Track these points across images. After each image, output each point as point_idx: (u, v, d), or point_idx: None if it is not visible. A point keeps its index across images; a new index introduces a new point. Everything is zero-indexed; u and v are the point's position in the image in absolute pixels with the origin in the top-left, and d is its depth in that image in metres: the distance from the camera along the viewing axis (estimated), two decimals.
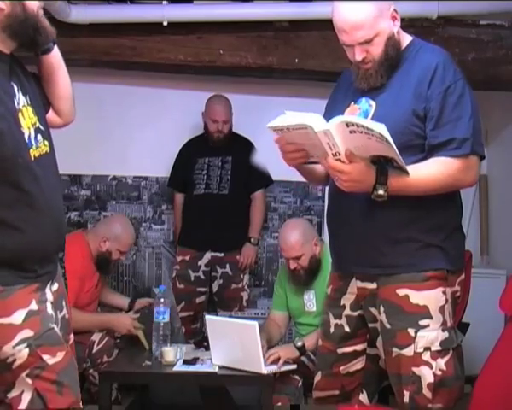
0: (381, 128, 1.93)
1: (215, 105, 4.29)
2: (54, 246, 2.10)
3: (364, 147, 1.99)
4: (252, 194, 4.35)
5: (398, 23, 2.21)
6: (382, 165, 2.05)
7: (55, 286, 2.12)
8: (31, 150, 1.99)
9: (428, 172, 2.10)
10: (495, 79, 4.01)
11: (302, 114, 2.03)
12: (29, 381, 1.95)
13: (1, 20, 1.97)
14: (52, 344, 2.00)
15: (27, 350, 1.95)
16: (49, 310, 2.04)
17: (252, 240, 4.30)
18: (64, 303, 2.19)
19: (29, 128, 2.00)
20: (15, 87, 2.01)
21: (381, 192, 2.05)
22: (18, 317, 1.95)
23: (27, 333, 1.95)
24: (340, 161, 2.03)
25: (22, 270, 1.98)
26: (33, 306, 1.98)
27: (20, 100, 2.01)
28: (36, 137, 2.03)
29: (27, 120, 2.01)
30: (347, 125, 1.95)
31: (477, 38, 3.97)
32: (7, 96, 1.95)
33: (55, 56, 2.18)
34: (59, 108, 2.23)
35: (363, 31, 2.13)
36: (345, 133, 1.97)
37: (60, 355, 2.00)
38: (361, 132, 1.94)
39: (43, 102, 2.17)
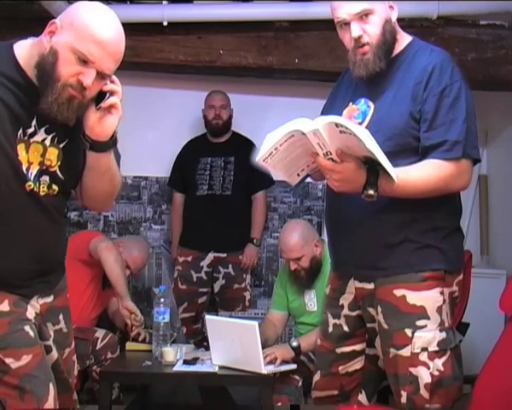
0: (366, 139, 1.92)
1: (212, 94, 4.39)
2: (28, 274, 1.96)
3: (355, 147, 1.98)
4: (253, 195, 4.36)
5: (396, 13, 2.20)
6: (373, 165, 2.03)
7: (48, 299, 2.04)
8: (28, 183, 1.86)
9: (419, 174, 2.09)
10: (495, 79, 4.01)
11: (284, 125, 2.02)
12: None
13: (36, 53, 1.82)
14: (18, 347, 1.89)
15: None
16: (29, 315, 1.95)
17: (254, 241, 4.32)
18: (62, 317, 2.10)
19: (31, 163, 1.85)
20: (35, 120, 1.85)
21: (371, 192, 2.04)
22: None
23: None
24: (332, 160, 2.03)
25: None
26: (4, 307, 1.90)
27: (36, 134, 1.86)
28: (39, 176, 1.88)
29: (34, 154, 1.86)
30: (336, 125, 1.94)
31: (477, 38, 3.97)
32: (6, 120, 1.82)
33: (97, 162, 1.93)
34: (81, 197, 2.04)
35: (358, 1, 2.12)
36: (335, 133, 1.95)
37: (25, 359, 1.89)
38: (350, 134, 1.93)
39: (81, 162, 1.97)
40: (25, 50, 1.85)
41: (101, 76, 1.81)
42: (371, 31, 2.15)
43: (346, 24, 2.17)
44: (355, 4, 2.13)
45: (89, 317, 3.64)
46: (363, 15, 2.14)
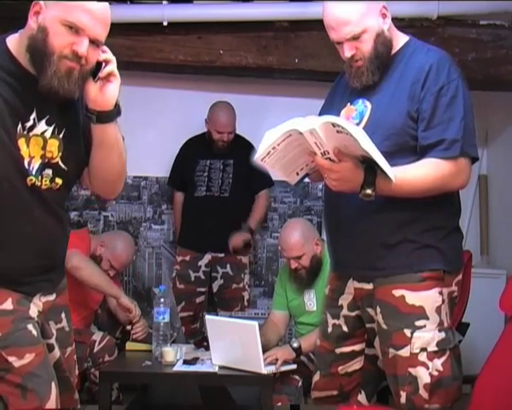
0: (362, 139, 1.92)
1: (220, 116, 4.25)
2: (31, 271, 1.96)
3: (353, 146, 1.98)
4: (256, 194, 4.36)
5: (389, 21, 2.21)
6: (371, 164, 2.03)
7: (51, 297, 2.04)
8: (29, 177, 1.86)
9: (417, 173, 2.09)
10: (495, 79, 4.01)
11: (281, 125, 2.02)
12: None
13: (25, 38, 1.82)
14: (21, 345, 1.90)
15: None
16: (32, 314, 1.95)
17: (242, 225, 4.25)
18: (64, 316, 2.10)
19: (32, 157, 1.86)
20: (35, 112, 1.85)
21: (368, 192, 2.04)
22: None
23: None
24: (329, 159, 2.03)
25: None
26: (8, 305, 1.90)
27: (35, 127, 1.86)
28: (41, 170, 1.88)
29: (35, 147, 1.86)
30: (333, 125, 1.94)
31: (477, 38, 3.97)
32: (6, 116, 1.82)
33: (105, 134, 1.92)
34: (91, 182, 2.04)
35: (350, 27, 2.14)
36: (332, 133, 1.96)
37: (28, 357, 1.90)
38: (346, 134, 1.93)
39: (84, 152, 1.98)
40: (15, 41, 1.87)
41: (94, 44, 1.82)
42: (364, 48, 2.17)
43: (338, 42, 2.20)
44: (346, 29, 2.14)
45: (77, 318, 3.61)
46: (355, 36, 2.16)
